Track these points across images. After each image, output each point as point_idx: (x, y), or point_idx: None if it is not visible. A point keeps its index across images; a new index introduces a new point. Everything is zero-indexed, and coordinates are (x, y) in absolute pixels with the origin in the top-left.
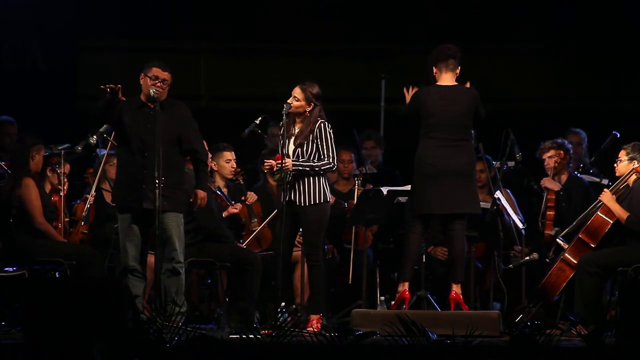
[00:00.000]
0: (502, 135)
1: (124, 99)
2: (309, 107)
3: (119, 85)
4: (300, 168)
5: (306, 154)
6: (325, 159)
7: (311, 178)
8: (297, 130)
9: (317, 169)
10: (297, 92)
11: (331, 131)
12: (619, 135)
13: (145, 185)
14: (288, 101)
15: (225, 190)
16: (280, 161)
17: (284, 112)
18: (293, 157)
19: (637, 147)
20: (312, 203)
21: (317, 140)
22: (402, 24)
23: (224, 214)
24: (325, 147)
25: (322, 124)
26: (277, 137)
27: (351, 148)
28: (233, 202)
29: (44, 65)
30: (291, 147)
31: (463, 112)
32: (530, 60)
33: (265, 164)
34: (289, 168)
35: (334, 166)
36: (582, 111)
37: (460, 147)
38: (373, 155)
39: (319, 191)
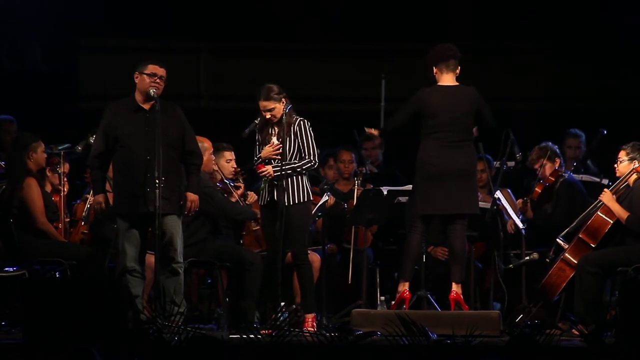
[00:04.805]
0: (502, 135)
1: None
2: (282, 104)
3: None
4: (283, 172)
5: (288, 153)
6: (307, 158)
7: (294, 178)
8: (276, 131)
9: (299, 169)
10: (265, 104)
11: (311, 129)
12: (605, 132)
13: (150, 188)
14: (266, 116)
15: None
16: (261, 170)
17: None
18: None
19: (637, 147)
20: (295, 202)
21: (297, 139)
22: (402, 24)
23: (233, 199)
24: (306, 145)
25: (301, 122)
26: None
27: (351, 148)
28: (233, 183)
29: (44, 65)
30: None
31: (465, 113)
32: (530, 60)
33: (261, 171)
34: (271, 175)
35: (315, 164)
36: (582, 111)
37: (461, 147)
38: (373, 155)
39: (301, 190)
